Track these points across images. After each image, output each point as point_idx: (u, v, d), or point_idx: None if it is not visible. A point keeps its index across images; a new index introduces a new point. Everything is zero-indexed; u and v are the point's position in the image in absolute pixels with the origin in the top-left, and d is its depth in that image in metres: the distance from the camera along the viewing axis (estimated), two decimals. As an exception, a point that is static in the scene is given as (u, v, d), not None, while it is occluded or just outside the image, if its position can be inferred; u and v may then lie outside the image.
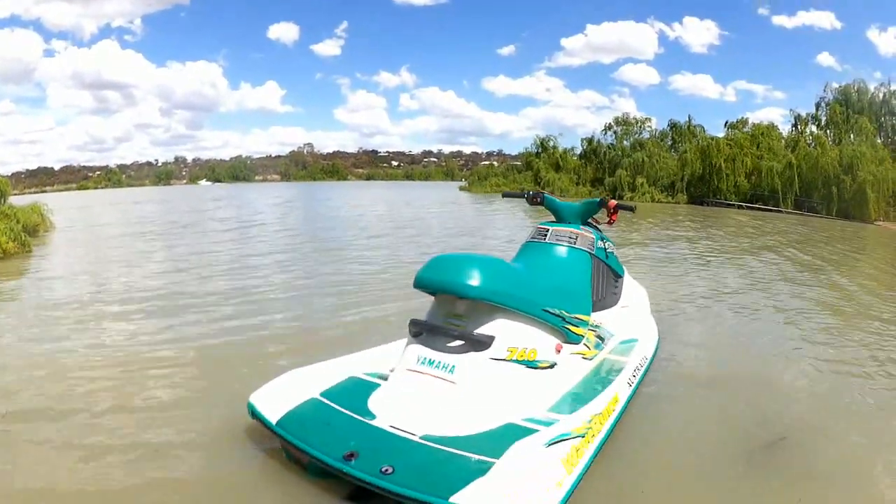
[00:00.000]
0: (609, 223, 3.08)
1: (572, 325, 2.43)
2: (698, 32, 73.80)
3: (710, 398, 2.98)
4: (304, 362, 2.59)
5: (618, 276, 3.07)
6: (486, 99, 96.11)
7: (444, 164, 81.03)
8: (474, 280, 2.02)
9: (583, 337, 2.56)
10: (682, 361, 3.49)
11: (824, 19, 64.02)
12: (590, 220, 3.02)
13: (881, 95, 34.61)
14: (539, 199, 3.11)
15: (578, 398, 2.26)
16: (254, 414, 2.14)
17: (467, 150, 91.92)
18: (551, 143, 36.97)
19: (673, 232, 13.77)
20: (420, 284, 2.15)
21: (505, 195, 3.83)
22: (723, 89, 70.80)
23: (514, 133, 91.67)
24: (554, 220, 3.02)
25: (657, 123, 37.03)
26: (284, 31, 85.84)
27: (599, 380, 2.48)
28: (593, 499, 1.90)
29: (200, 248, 9.45)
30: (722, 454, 2.35)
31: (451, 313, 2.13)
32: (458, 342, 2.06)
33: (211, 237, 11.46)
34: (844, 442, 2.52)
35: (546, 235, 2.74)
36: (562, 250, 2.68)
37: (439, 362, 2.04)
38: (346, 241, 10.38)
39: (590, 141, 36.34)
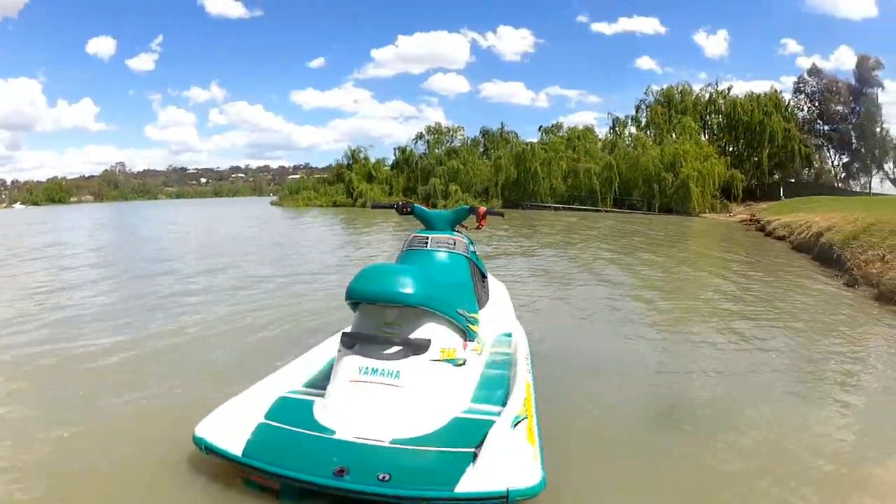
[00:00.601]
0: (478, 228, 3.20)
1: (472, 323, 2.53)
2: (512, 41, 78.55)
3: (590, 379, 3.37)
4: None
5: (484, 276, 3.20)
6: (294, 112, 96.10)
7: (251, 179, 78.66)
8: (410, 288, 2.10)
9: (477, 334, 2.63)
10: (552, 348, 3.83)
11: (648, 25, 68.83)
12: (458, 226, 3.11)
13: (707, 95, 35.10)
14: (409, 209, 3.19)
15: (492, 388, 2.46)
16: (209, 449, 2.01)
17: (274, 164, 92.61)
18: (362, 155, 34.60)
19: (494, 232, 13.54)
20: (356, 296, 2.17)
21: (374, 206, 4.03)
22: (535, 95, 73.85)
23: (321, 146, 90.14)
24: (424, 228, 3.02)
25: (469, 131, 36.60)
26: (102, 46, 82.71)
27: (500, 371, 2.70)
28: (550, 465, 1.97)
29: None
30: (631, 421, 2.79)
31: (382, 322, 2.18)
32: (396, 348, 2.12)
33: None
34: (717, 400, 3.08)
35: (427, 243, 2.78)
36: (444, 256, 2.75)
37: (383, 370, 2.09)
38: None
39: (402, 150, 34.40)
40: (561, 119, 38.02)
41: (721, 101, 34.03)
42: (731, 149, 34.02)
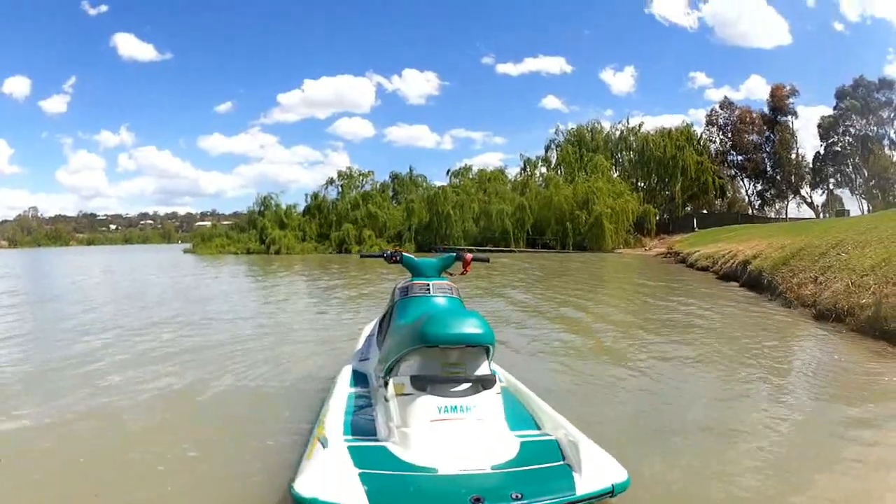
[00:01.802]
0: (463, 273, 3.28)
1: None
2: (417, 83, 79.11)
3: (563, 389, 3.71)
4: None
5: None
6: (200, 157, 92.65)
7: (160, 226, 77.88)
8: (483, 329, 2.22)
9: None
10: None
11: (554, 64, 70.36)
12: (444, 273, 3.17)
13: (618, 133, 36.08)
14: (398, 258, 3.23)
15: (510, 410, 2.53)
16: None
17: (182, 210, 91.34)
18: (274, 201, 34.15)
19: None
20: (438, 340, 2.22)
21: (363, 256, 4.16)
22: (439, 138, 74.16)
23: (227, 192, 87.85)
24: (412, 276, 3.08)
25: (376, 175, 36.54)
26: (18, 85, 79.51)
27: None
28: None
29: None
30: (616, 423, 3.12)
31: (446, 363, 2.27)
32: (467, 385, 2.24)
33: None
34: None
35: (429, 289, 2.88)
36: (444, 301, 2.83)
37: (461, 406, 2.21)
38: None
39: (315, 196, 34.14)
40: (466, 161, 38.79)
41: (632, 138, 34.97)
42: (643, 184, 34.94)
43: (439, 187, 33.05)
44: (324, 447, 2.17)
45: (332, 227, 32.33)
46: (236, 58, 75.08)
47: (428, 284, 2.92)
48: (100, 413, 3.28)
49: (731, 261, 11.70)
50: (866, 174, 39.17)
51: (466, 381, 2.25)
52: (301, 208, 34.55)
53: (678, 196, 33.98)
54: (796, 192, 39.96)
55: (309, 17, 73.15)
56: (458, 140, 68.20)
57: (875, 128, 39.15)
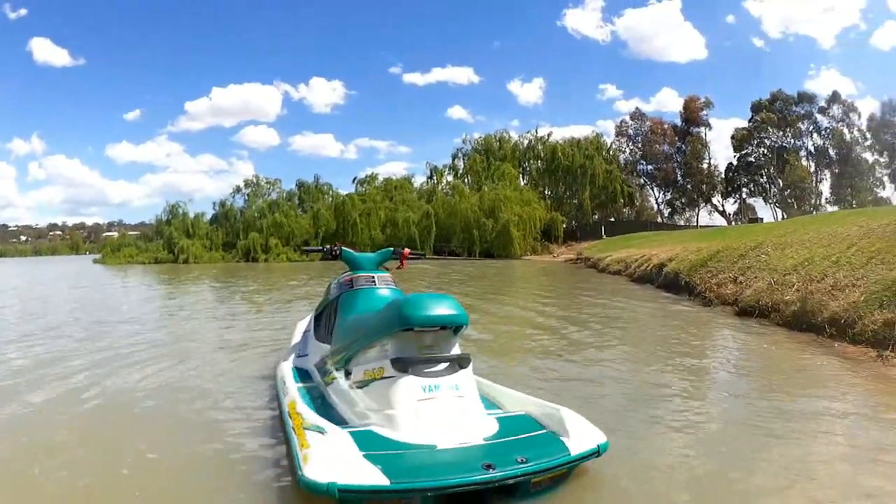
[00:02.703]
0: (399, 268, 3.41)
1: None
2: (324, 92, 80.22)
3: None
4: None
5: None
6: (108, 166, 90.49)
7: (68, 237, 76.68)
8: (459, 311, 2.35)
9: None
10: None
11: (461, 75, 71.98)
12: (381, 267, 3.30)
13: (526, 142, 37.14)
14: (337, 253, 3.32)
15: None
16: (349, 491, 1.93)
17: (90, 221, 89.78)
18: (181, 210, 33.91)
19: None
20: (420, 322, 2.32)
21: (304, 251, 4.23)
22: (344, 147, 74.82)
23: (133, 202, 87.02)
24: (351, 269, 3.23)
25: (284, 184, 36.87)
26: None
27: None
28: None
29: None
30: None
31: (422, 346, 2.36)
32: (445, 365, 2.34)
33: None
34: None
35: (375, 281, 3.04)
36: (388, 292, 3.00)
37: (444, 385, 2.29)
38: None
39: (223, 204, 34.08)
40: (370, 170, 39.39)
41: (540, 147, 36.03)
42: (551, 192, 35.99)
43: (346, 195, 33.40)
44: (322, 434, 2.16)
45: (239, 236, 32.32)
46: (146, 64, 74.09)
47: (373, 277, 3.09)
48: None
49: (646, 264, 12.00)
50: (781, 184, 40.96)
51: (445, 360, 2.36)
52: (209, 217, 34.51)
53: (586, 204, 35.06)
54: (707, 201, 41.68)
55: (220, 24, 72.81)
56: (363, 149, 68.70)
57: (792, 140, 41.02)
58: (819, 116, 39.73)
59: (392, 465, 1.99)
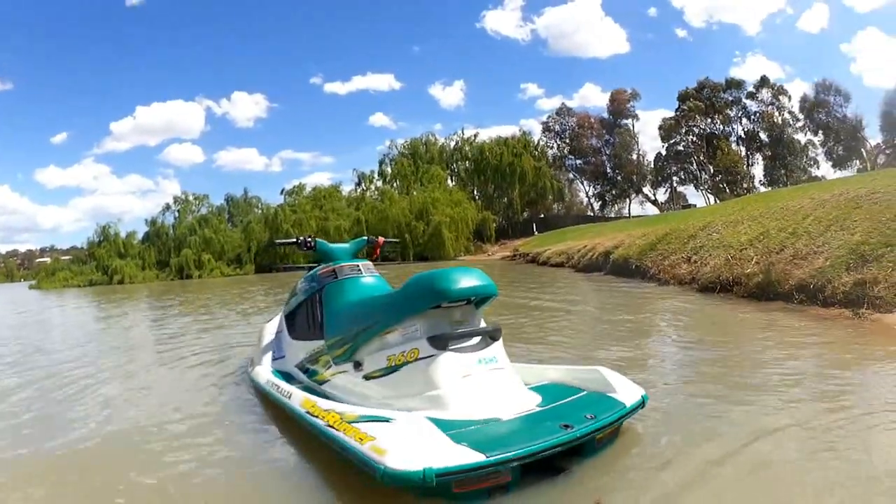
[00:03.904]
0: (374, 257, 3.43)
1: None
2: (246, 106, 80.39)
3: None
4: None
5: None
6: (38, 192, 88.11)
7: (2, 264, 75.84)
8: (490, 281, 2.37)
9: None
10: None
11: (382, 81, 72.90)
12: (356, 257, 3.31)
13: (452, 144, 38.43)
14: (312, 245, 3.29)
15: None
16: (447, 474, 1.80)
17: (23, 247, 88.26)
18: (112, 231, 34.16)
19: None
20: (457, 295, 2.29)
21: (277, 244, 3.93)
22: (268, 161, 74.82)
23: (64, 226, 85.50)
24: (324, 261, 3.21)
25: (212, 199, 37.36)
26: None
27: None
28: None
29: None
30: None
31: (452, 321, 2.34)
32: (478, 339, 2.33)
33: None
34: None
35: (360, 270, 3.02)
36: (374, 280, 3.00)
37: (483, 358, 2.29)
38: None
39: (153, 223, 34.41)
40: (295, 182, 40.15)
41: (467, 148, 37.26)
42: (480, 192, 37.21)
43: (277, 206, 33.99)
44: (387, 422, 2.03)
45: (172, 254, 32.62)
46: (72, 85, 72.95)
47: (357, 265, 3.06)
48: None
49: (590, 253, 12.20)
50: (712, 170, 42.72)
51: (479, 334, 2.35)
52: (140, 236, 34.80)
53: (517, 202, 36.40)
54: (638, 191, 43.37)
55: (142, 41, 72.13)
56: (287, 161, 68.77)
57: (721, 126, 42.71)
58: (748, 101, 41.00)
59: (476, 440, 1.93)
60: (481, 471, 1.84)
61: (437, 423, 2.03)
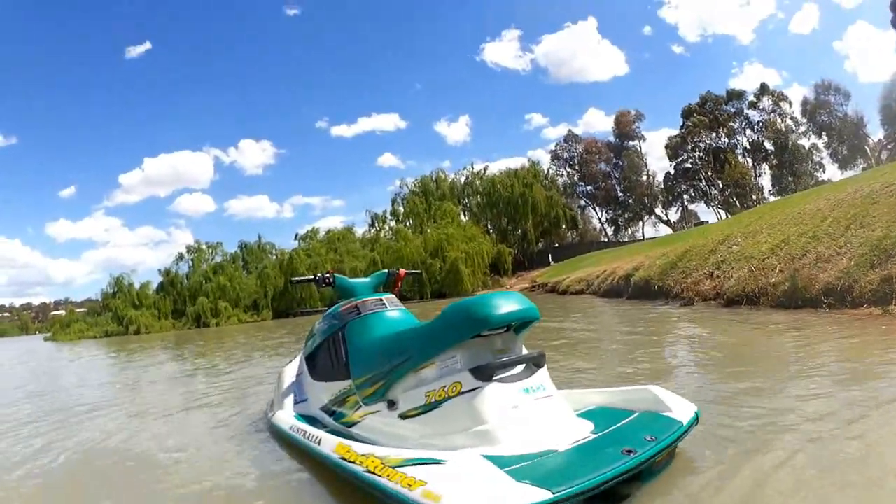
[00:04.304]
0: (395, 290, 3.29)
1: None
2: (254, 154, 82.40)
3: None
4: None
5: None
6: (49, 245, 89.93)
7: (17, 318, 76.57)
8: (531, 304, 2.28)
9: None
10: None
11: (388, 122, 73.81)
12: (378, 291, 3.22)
13: (463, 178, 38.50)
14: (330, 281, 3.19)
15: None
16: None
17: (36, 301, 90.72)
18: (126, 282, 34.15)
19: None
20: (497, 322, 2.19)
21: (295, 282, 3.64)
22: (280, 207, 75.45)
23: (77, 279, 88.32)
24: (343, 297, 3.08)
25: (226, 247, 37.25)
26: None
27: None
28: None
29: None
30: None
31: (494, 350, 2.25)
32: (522, 367, 2.22)
33: None
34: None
35: (384, 304, 2.90)
36: (399, 314, 2.88)
37: (531, 387, 2.18)
38: None
39: (167, 273, 34.38)
40: (308, 226, 40.51)
41: (478, 182, 37.30)
42: (493, 225, 37.25)
43: (292, 251, 33.91)
44: (439, 464, 1.91)
45: (187, 303, 32.51)
46: (77, 139, 74.06)
47: (381, 300, 2.91)
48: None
49: (610, 278, 12.05)
50: (721, 185, 42.86)
51: (523, 361, 2.24)
52: (154, 286, 34.78)
53: (531, 233, 36.38)
54: (651, 213, 43.47)
55: (142, 93, 73.53)
56: (298, 207, 69.43)
57: (726, 139, 42.90)
58: (750, 112, 41.43)
59: (537, 476, 1.81)
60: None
61: (493, 460, 1.91)
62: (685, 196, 44.08)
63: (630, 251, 16.31)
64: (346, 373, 2.77)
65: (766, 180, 41.29)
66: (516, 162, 41.01)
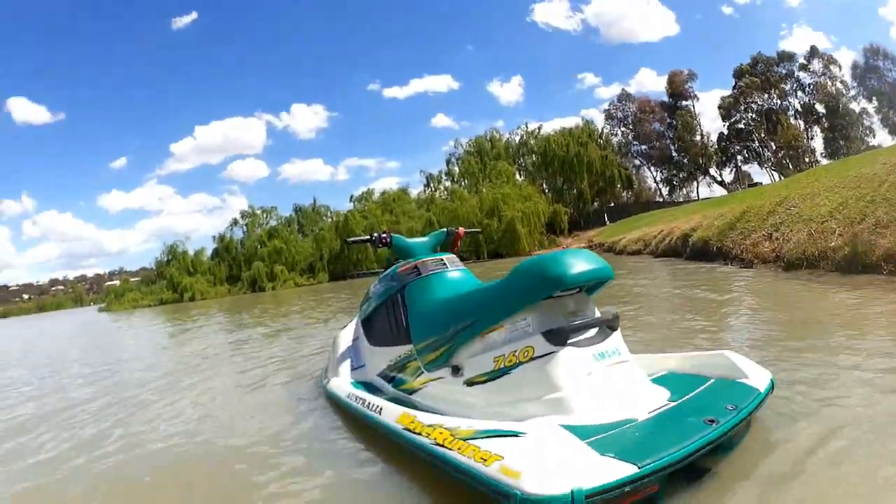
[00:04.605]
0: (454, 250, 3.09)
1: None
2: (306, 118, 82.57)
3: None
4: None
5: None
6: (102, 216, 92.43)
7: (71, 290, 78.01)
8: (605, 263, 2.10)
9: None
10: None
11: (440, 83, 72.99)
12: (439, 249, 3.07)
13: (517, 138, 37.85)
14: (387, 241, 3.00)
15: None
16: (597, 493, 1.52)
17: (90, 272, 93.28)
18: (181, 249, 34.25)
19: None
20: (572, 281, 2.01)
21: (350, 242, 3.23)
22: (334, 170, 76.28)
23: (131, 248, 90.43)
24: (401, 258, 2.92)
25: (280, 212, 37.24)
26: None
27: None
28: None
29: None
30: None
31: (566, 312, 2.09)
32: (595, 330, 2.08)
33: None
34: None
35: (446, 264, 2.72)
36: (461, 274, 2.71)
37: (606, 352, 2.04)
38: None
39: (221, 238, 34.34)
40: (363, 188, 40.08)
41: (533, 142, 36.49)
42: (548, 185, 36.46)
43: (348, 212, 33.67)
44: (516, 437, 1.75)
45: (242, 268, 32.65)
46: (126, 111, 75.66)
47: (442, 259, 2.76)
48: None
49: (668, 238, 11.81)
50: (773, 146, 41.66)
51: (598, 324, 2.10)
52: (209, 253, 34.75)
53: (586, 192, 35.57)
54: (706, 173, 42.32)
55: (193, 62, 74.21)
56: (352, 169, 69.89)
57: (778, 101, 41.71)
58: (800, 74, 40.32)
59: (620, 448, 1.69)
60: (634, 484, 1.58)
61: (573, 430, 1.78)
62: (738, 157, 42.94)
63: (686, 211, 15.82)
64: (406, 337, 2.65)
65: (817, 143, 40.21)
66: (569, 122, 40.37)
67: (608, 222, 31.97)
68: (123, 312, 29.00)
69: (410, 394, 2.55)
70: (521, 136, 37.60)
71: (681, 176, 41.73)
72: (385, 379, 2.81)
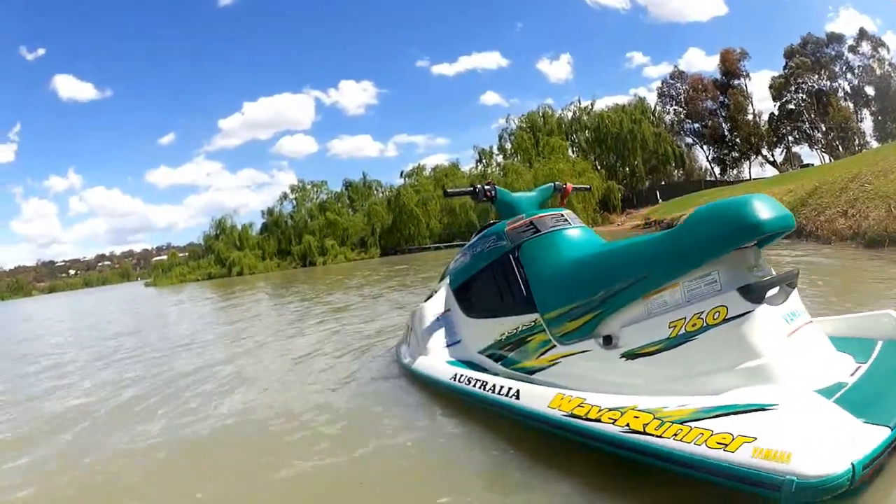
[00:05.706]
0: (562, 205, 2.71)
1: None
2: (355, 94, 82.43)
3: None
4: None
5: None
6: (149, 192, 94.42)
7: (118, 265, 79.01)
8: (788, 212, 1.77)
9: None
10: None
11: (489, 60, 72.28)
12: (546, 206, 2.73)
13: (570, 114, 37.50)
14: (492, 194, 2.63)
15: None
16: (869, 461, 1.32)
17: (137, 248, 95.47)
18: (229, 223, 34.37)
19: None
20: (770, 228, 1.68)
21: (449, 194, 2.71)
22: (383, 146, 76.71)
23: (179, 224, 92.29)
24: (504, 215, 2.57)
25: (330, 186, 37.33)
26: None
27: None
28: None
29: None
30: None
31: (750, 266, 1.80)
32: (776, 288, 1.77)
33: None
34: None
35: (567, 220, 2.33)
36: (582, 231, 2.31)
37: (792, 312, 1.78)
38: None
39: (271, 212, 34.51)
40: (412, 164, 39.73)
41: (586, 118, 36.13)
42: (602, 161, 36.08)
43: (400, 187, 33.78)
44: (765, 410, 1.47)
45: (293, 242, 32.80)
46: (174, 87, 76.37)
47: (562, 215, 2.40)
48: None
49: None
50: (824, 128, 41.02)
51: (784, 280, 1.84)
52: (257, 228, 34.92)
53: (640, 169, 35.21)
54: (758, 153, 41.78)
55: (241, 39, 74.34)
56: (402, 146, 70.15)
57: (828, 82, 41.07)
58: (849, 55, 39.89)
59: (859, 410, 1.48)
60: (891, 447, 1.41)
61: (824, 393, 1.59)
62: (789, 138, 42.40)
63: (744, 189, 15.91)
64: (527, 305, 2.25)
65: (866, 125, 39.78)
66: (619, 100, 39.81)
67: (661, 200, 31.62)
68: (170, 287, 29.02)
69: (531, 373, 2.18)
70: (574, 113, 37.34)
71: (733, 155, 41.21)
72: (492, 357, 2.45)
